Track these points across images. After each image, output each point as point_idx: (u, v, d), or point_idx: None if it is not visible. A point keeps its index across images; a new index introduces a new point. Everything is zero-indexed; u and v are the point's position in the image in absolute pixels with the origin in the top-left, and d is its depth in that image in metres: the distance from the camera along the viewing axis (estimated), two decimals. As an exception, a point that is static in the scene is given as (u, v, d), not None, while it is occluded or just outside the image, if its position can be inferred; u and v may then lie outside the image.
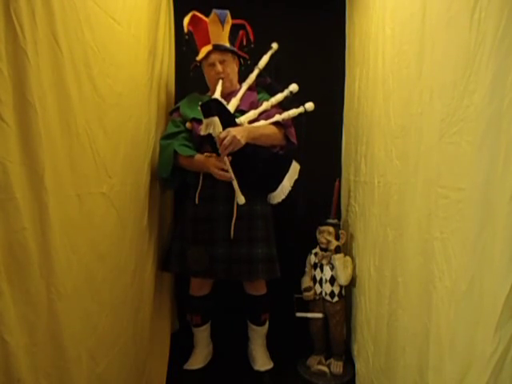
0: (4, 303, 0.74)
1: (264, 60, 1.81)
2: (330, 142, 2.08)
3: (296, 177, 1.71)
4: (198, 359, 1.81)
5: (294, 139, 1.70)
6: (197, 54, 1.73)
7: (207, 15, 1.67)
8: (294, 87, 1.73)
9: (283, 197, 1.69)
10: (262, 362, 1.81)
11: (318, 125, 1.90)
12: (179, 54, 2.03)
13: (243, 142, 1.50)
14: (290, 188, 1.68)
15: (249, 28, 1.77)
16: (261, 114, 1.68)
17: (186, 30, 1.66)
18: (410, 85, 1.16)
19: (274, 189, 1.68)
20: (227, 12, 1.67)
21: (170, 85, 1.96)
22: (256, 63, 1.80)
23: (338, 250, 1.78)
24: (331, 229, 1.83)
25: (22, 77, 0.78)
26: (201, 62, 1.73)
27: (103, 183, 1.15)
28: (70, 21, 0.95)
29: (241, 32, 1.78)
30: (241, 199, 1.56)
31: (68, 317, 0.93)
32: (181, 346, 1.86)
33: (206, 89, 1.84)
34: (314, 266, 1.87)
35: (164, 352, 1.76)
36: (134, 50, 1.42)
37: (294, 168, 1.71)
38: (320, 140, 2.03)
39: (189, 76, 2.06)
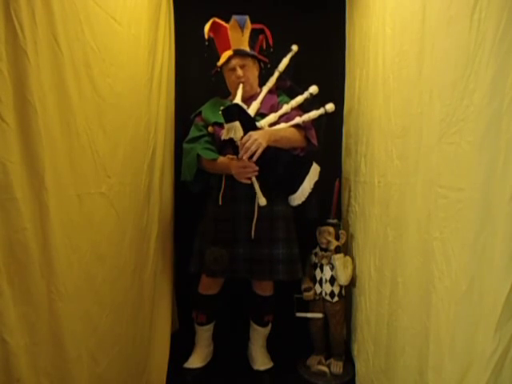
0: (4, 303, 0.74)
1: (284, 63, 1.80)
2: (330, 142, 2.08)
3: (316, 178, 1.69)
4: (199, 358, 1.81)
5: (314, 141, 1.69)
6: (217, 59, 1.73)
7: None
8: (314, 89, 1.72)
9: (303, 199, 1.67)
10: (261, 361, 1.81)
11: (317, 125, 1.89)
12: (179, 54, 2.03)
13: (264, 144, 1.51)
14: (310, 190, 1.67)
15: (268, 32, 1.77)
16: (281, 116, 1.68)
17: (206, 36, 1.66)
18: (410, 85, 1.16)
19: (295, 190, 1.67)
20: (246, 17, 1.67)
21: (170, 85, 1.95)
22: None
23: (338, 250, 1.78)
24: (331, 229, 1.83)
25: (22, 77, 0.78)
26: (222, 67, 1.73)
27: (102, 183, 1.15)
28: (70, 21, 0.95)
29: (260, 36, 1.78)
30: (262, 201, 1.57)
31: (68, 317, 0.93)
32: (181, 345, 1.86)
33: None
34: (314, 266, 1.87)
35: (164, 352, 1.76)
36: (134, 50, 1.42)
37: (315, 170, 1.70)
38: (320, 140, 2.02)
39: (189, 76, 2.07)
